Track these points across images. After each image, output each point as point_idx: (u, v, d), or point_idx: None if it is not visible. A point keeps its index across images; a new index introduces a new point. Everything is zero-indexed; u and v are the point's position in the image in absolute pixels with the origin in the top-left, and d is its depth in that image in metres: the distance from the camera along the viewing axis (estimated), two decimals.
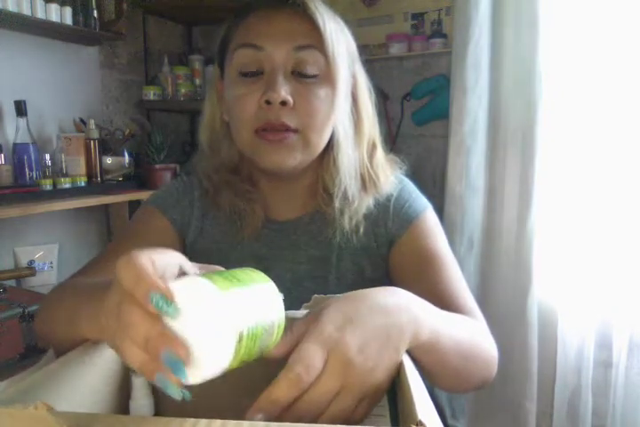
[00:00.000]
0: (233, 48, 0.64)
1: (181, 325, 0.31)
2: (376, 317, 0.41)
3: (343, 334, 0.38)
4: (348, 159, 0.68)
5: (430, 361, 0.47)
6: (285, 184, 0.72)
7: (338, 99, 0.64)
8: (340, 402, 0.37)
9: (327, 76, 0.63)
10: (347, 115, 0.68)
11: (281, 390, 0.35)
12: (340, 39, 0.64)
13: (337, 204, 0.69)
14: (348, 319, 0.40)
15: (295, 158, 0.64)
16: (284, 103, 0.61)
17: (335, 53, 0.62)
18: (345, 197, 0.69)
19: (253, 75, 0.63)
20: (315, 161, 0.69)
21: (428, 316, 0.46)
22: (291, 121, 0.62)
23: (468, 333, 0.55)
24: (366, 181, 0.71)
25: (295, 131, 0.63)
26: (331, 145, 0.68)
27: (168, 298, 0.31)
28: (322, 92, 0.63)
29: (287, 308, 0.50)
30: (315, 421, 0.37)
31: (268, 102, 0.61)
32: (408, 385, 0.36)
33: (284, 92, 0.60)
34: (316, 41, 0.62)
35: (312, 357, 0.37)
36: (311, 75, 0.63)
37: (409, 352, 0.44)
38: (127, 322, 0.32)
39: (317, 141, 0.65)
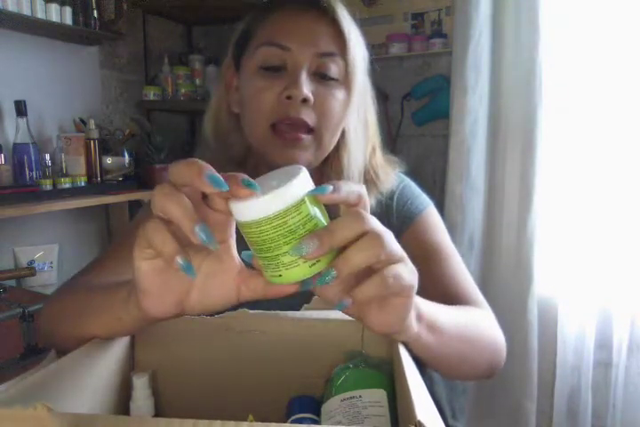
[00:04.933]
0: (257, 44, 0.65)
1: None
2: None
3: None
4: (355, 160, 0.69)
5: (433, 343, 0.47)
6: None
7: (353, 103, 0.66)
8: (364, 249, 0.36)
9: (346, 81, 0.65)
10: (359, 118, 0.69)
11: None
12: (360, 47, 0.66)
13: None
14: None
15: (307, 158, 0.65)
16: (304, 100, 0.62)
17: (356, 62, 0.65)
18: None
19: (275, 70, 0.64)
20: (321, 161, 0.69)
21: (422, 299, 0.46)
22: (309, 118, 0.63)
23: (470, 317, 0.56)
24: (368, 182, 0.72)
25: (310, 130, 0.64)
26: (338, 146, 0.68)
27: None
28: (339, 95, 0.64)
29: (289, 308, 0.50)
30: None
31: (289, 97, 0.62)
32: (407, 385, 0.36)
33: (307, 89, 0.61)
34: (339, 48, 0.64)
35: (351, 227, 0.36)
36: (331, 78, 0.64)
37: (408, 347, 0.44)
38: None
39: (329, 141, 0.66)
